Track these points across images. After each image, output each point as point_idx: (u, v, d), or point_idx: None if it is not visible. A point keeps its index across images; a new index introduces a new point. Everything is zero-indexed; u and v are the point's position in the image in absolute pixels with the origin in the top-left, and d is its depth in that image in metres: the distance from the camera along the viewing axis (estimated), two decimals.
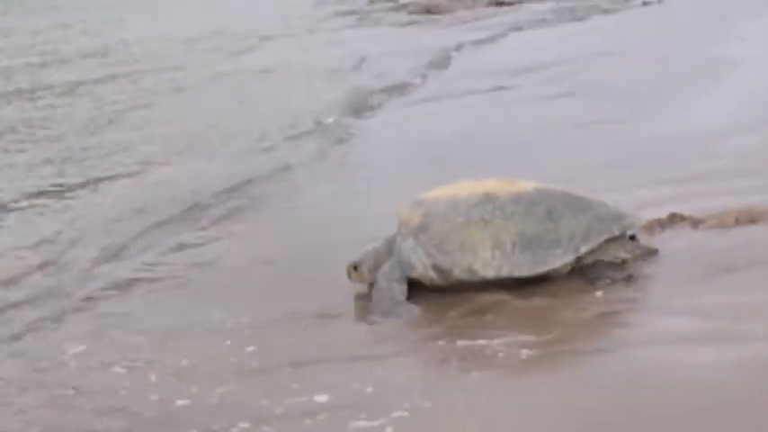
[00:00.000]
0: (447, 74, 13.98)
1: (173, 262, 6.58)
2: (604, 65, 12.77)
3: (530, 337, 4.87)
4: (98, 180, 9.09)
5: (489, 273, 5.43)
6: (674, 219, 6.02)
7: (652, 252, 5.62)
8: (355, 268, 5.73)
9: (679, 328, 4.74)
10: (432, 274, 5.53)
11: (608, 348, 4.70)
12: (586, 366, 4.59)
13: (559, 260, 5.43)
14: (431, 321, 5.24)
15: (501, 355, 4.71)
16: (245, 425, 4.30)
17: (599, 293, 5.30)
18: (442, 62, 14.76)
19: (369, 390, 4.51)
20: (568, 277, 5.46)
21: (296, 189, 8.32)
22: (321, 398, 4.46)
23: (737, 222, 5.84)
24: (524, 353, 4.71)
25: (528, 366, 4.62)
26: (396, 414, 4.24)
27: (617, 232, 5.52)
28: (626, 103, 9.92)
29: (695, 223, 5.97)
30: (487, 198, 5.51)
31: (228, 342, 5.18)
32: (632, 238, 5.67)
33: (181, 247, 6.93)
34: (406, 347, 5.02)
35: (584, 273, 5.48)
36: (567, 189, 5.65)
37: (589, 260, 5.50)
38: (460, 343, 4.88)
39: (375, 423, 4.21)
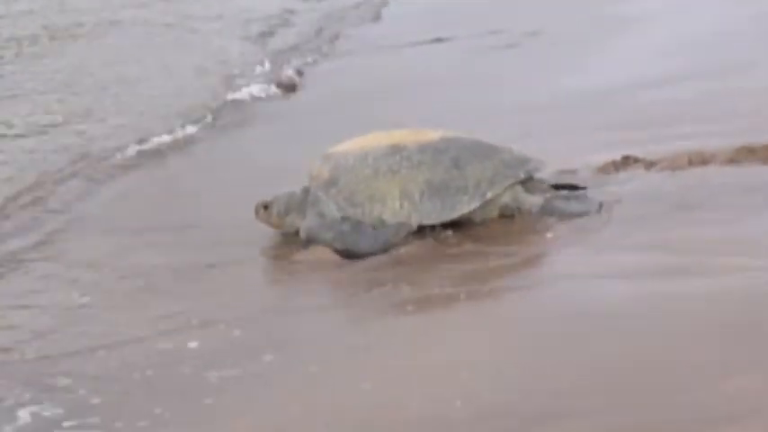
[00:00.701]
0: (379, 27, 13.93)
1: None
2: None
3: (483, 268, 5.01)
4: None
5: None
6: (627, 161, 6.05)
7: (560, 194, 5.71)
8: (265, 207, 5.76)
9: (643, 263, 4.75)
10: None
11: (571, 281, 4.71)
12: (548, 299, 4.62)
13: (467, 206, 5.51)
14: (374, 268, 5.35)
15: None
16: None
17: (549, 234, 5.35)
18: (373, 14, 14.69)
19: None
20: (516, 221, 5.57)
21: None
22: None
23: (690, 163, 5.87)
24: (477, 288, 4.82)
25: (485, 303, 4.72)
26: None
27: (523, 176, 5.59)
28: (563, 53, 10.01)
29: (648, 165, 5.99)
30: (395, 149, 5.57)
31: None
32: (562, 187, 5.73)
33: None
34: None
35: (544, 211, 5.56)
36: (474, 137, 5.73)
37: (497, 204, 5.59)
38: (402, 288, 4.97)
39: None
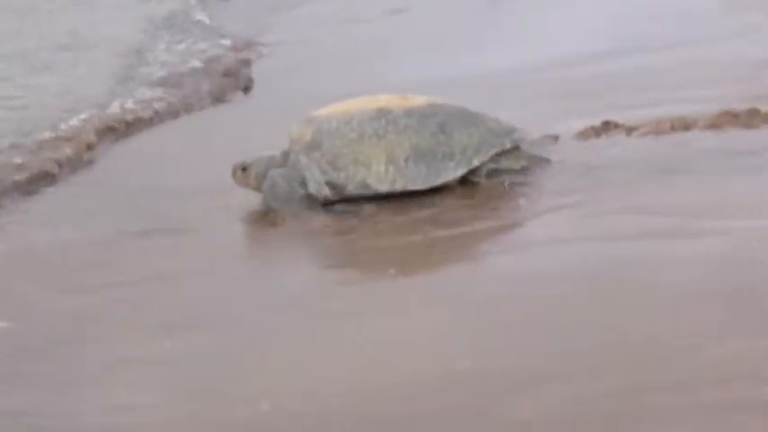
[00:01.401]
0: None
1: None
2: None
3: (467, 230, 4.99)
4: None
5: (383, 187, 5.43)
6: (607, 126, 6.02)
7: (545, 162, 5.69)
8: (243, 169, 5.66)
9: (627, 226, 4.74)
10: (326, 190, 5.51)
11: (556, 245, 4.69)
12: (532, 262, 4.57)
13: (452, 173, 5.47)
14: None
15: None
16: None
17: (521, 201, 5.34)
18: None
19: None
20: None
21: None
22: None
23: (673, 129, 5.85)
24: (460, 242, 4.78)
25: (468, 267, 4.68)
26: None
27: (509, 145, 5.56)
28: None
29: (629, 130, 5.97)
30: (380, 113, 5.49)
31: None
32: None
33: None
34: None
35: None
36: (460, 104, 5.68)
37: (483, 171, 5.55)
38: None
39: None
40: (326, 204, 5.50)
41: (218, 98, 8.52)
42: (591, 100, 6.80)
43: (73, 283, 4.88)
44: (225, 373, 3.86)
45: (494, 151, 5.51)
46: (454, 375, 3.60)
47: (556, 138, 5.99)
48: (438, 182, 5.45)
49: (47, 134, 7.14)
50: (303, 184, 5.54)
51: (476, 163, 5.48)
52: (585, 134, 6.04)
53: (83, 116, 7.59)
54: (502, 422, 3.30)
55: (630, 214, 4.91)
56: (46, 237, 5.53)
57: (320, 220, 5.41)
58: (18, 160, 6.63)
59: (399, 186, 5.44)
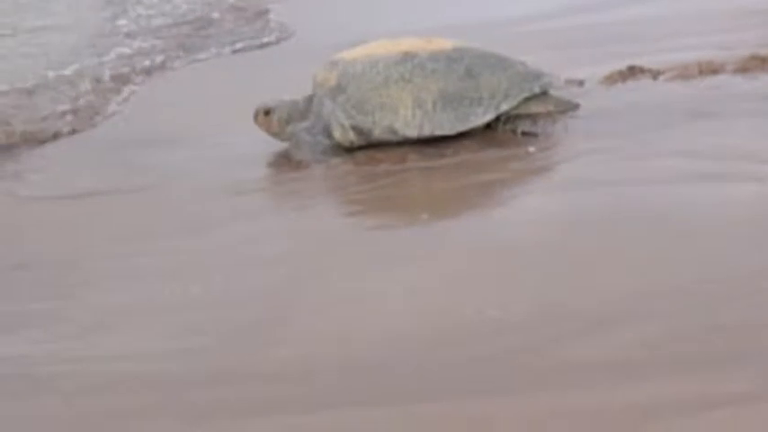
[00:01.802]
0: None
1: None
2: None
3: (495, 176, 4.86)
4: None
5: (410, 132, 5.31)
6: (633, 71, 5.91)
7: (574, 107, 5.58)
8: (266, 113, 5.55)
9: (674, 169, 4.61)
10: (351, 135, 5.38)
11: (606, 187, 4.56)
12: (586, 204, 4.43)
13: (481, 118, 5.34)
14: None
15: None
16: None
17: (531, 149, 5.16)
18: None
19: None
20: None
21: None
22: None
23: (701, 72, 5.74)
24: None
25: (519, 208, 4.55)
26: None
27: (537, 90, 5.43)
28: None
29: (656, 74, 5.88)
30: (406, 56, 5.36)
31: None
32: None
33: None
34: None
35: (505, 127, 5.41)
36: (486, 48, 5.56)
37: (514, 113, 5.43)
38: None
39: None
40: (351, 150, 5.39)
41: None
42: (612, 45, 6.72)
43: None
44: (256, 321, 3.73)
45: (522, 96, 5.38)
46: (510, 319, 3.49)
47: (581, 83, 5.89)
48: (466, 127, 5.33)
49: None
50: (327, 132, 5.43)
51: (504, 108, 5.36)
52: (611, 79, 5.94)
53: None
54: (563, 364, 3.21)
55: (669, 157, 4.80)
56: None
57: (345, 167, 5.30)
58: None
59: (427, 131, 5.31)
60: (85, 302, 4.03)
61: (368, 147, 5.37)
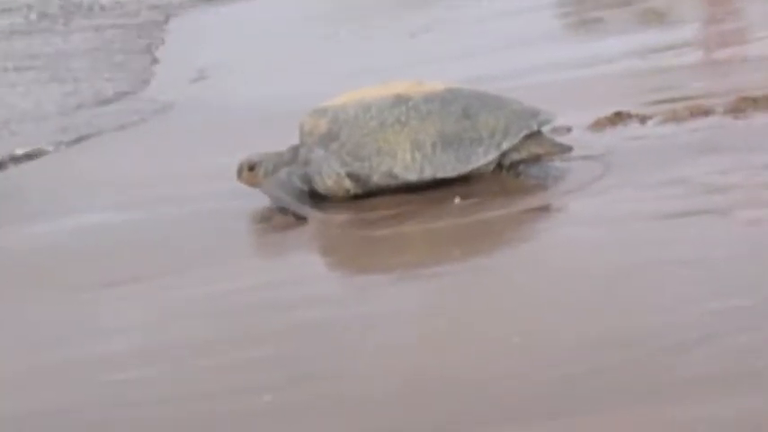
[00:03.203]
0: None
1: None
2: None
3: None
4: None
5: (411, 176, 5.05)
6: (620, 116, 5.72)
7: (567, 149, 5.38)
8: (250, 168, 5.27)
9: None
10: (347, 183, 5.10)
11: (633, 222, 4.36)
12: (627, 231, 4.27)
13: (483, 158, 5.10)
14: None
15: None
16: None
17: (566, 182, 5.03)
18: None
19: None
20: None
21: None
22: None
23: (692, 115, 5.57)
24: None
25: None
26: None
27: (536, 127, 5.21)
28: None
29: (643, 119, 5.69)
30: (399, 99, 5.12)
31: None
32: None
33: None
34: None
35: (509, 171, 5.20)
36: (477, 88, 5.36)
37: (508, 159, 5.22)
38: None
39: None
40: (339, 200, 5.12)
41: None
42: (587, 98, 6.56)
43: None
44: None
45: (523, 133, 5.14)
46: (601, 338, 3.26)
47: (568, 129, 5.70)
48: (468, 168, 5.08)
49: None
50: (308, 180, 5.14)
51: (505, 147, 5.13)
52: (599, 124, 5.73)
53: None
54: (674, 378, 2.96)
55: (692, 190, 4.64)
56: None
57: (340, 216, 5.02)
58: None
59: (428, 174, 5.05)
60: None
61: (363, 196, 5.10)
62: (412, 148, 5.04)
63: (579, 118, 5.87)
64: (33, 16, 14.44)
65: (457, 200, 4.86)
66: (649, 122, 5.73)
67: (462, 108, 5.11)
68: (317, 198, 5.17)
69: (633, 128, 5.71)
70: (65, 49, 12.12)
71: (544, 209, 4.78)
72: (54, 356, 3.86)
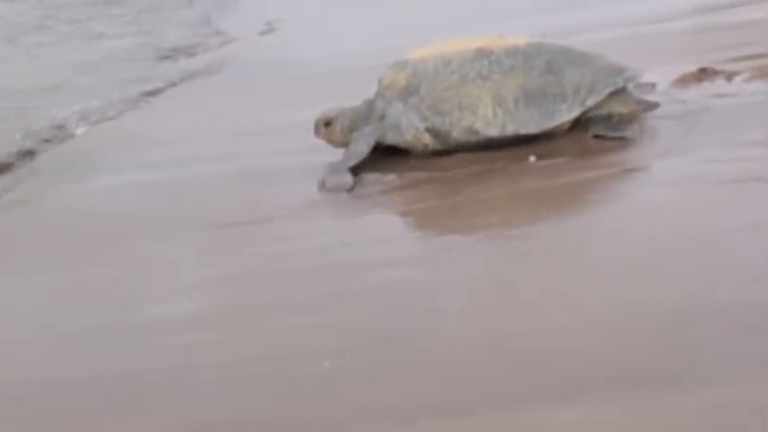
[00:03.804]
0: None
1: None
2: None
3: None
4: None
5: (493, 131, 4.91)
6: (705, 72, 5.51)
7: (653, 106, 5.23)
8: (327, 124, 5.20)
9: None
10: (426, 138, 4.99)
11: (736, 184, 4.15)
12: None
13: (566, 115, 4.95)
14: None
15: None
16: None
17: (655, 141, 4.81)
18: None
19: None
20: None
21: None
22: None
23: None
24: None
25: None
26: None
27: (621, 84, 5.02)
28: None
29: (729, 76, 5.49)
30: (481, 53, 4.99)
31: None
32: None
33: None
34: None
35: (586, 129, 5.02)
36: (560, 43, 5.21)
37: (590, 114, 5.08)
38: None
39: None
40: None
41: None
42: (670, 53, 6.36)
43: None
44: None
45: (608, 90, 4.97)
46: (688, 306, 3.13)
47: (653, 85, 5.53)
48: (552, 125, 4.92)
49: None
50: (398, 134, 5.03)
51: (590, 103, 4.96)
52: (684, 80, 5.54)
53: None
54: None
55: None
56: None
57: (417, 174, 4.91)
58: None
59: (510, 130, 4.92)
60: None
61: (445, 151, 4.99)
62: (494, 103, 4.91)
63: (663, 74, 5.70)
64: None
65: (532, 158, 4.74)
66: (736, 79, 5.54)
67: (546, 63, 4.97)
68: (397, 153, 5.08)
69: (720, 85, 5.52)
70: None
71: (629, 170, 4.59)
72: (119, 317, 3.79)
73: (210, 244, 4.43)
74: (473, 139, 4.93)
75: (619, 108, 5.09)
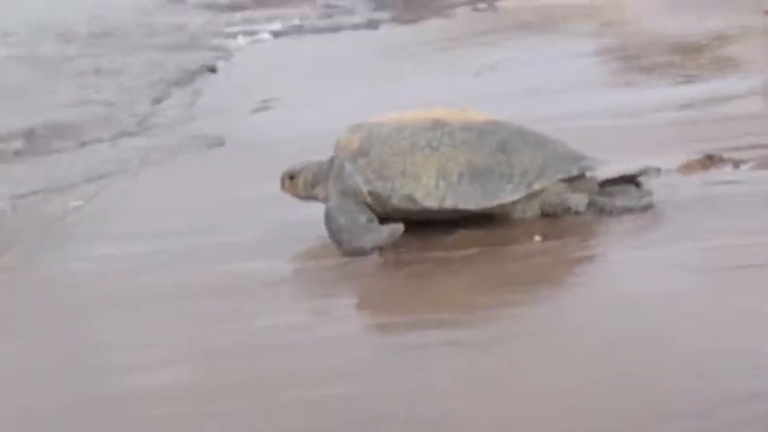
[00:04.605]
0: None
1: None
2: None
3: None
4: None
5: (431, 203, 4.81)
6: (711, 159, 5.36)
7: (612, 203, 4.90)
8: (291, 177, 5.25)
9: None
10: (369, 201, 4.94)
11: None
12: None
13: (509, 195, 4.85)
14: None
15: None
16: None
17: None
18: None
19: None
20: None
21: None
22: None
23: None
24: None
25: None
26: None
27: (575, 172, 4.93)
28: None
29: (736, 164, 5.36)
30: (436, 124, 4.94)
31: None
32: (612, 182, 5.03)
33: None
34: None
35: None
36: (524, 125, 5.12)
37: (546, 199, 4.89)
38: None
39: None
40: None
41: None
42: (672, 141, 6.16)
43: None
44: None
45: (558, 177, 4.90)
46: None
47: (658, 170, 5.19)
48: (492, 204, 4.80)
49: None
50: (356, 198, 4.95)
51: (536, 187, 4.87)
52: (690, 167, 5.38)
53: None
54: None
55: None
56: None
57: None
58: None
59: (449, 204, 4.82)
60: None
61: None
62: (438, 174, 4.85)
63: (667, 160, 5.48)
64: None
65: (537, 238, 4.63)
66: (742, 167, 5.38)
67: (499, 141, 4.90)
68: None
69: (727, 172, 5.35)
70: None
71: (630, 252, 4.54)
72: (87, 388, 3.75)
73: (181, 317, 4.38)
74: (412, 207, 4.86)
75: (570, 195, 4.98)
